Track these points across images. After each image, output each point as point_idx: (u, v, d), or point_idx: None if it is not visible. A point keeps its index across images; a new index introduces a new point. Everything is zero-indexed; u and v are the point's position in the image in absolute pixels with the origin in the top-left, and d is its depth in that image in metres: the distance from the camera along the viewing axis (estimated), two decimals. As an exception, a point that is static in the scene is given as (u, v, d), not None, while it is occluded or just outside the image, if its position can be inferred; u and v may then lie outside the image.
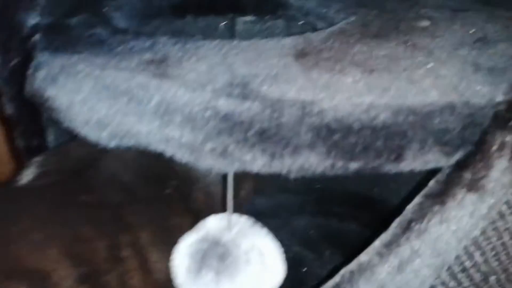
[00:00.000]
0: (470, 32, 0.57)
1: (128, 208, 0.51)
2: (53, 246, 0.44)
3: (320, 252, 0.83)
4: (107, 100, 0.41)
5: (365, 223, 0.81)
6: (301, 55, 0.49)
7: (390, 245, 0.42)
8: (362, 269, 0.42)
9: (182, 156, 0.40)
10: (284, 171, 0.40)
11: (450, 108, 0.40)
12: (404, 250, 0.42)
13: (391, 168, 0.40)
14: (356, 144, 0.39)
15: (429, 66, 0.47)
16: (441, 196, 0.41)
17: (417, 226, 0.41)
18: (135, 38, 0.52)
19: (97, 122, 0.41)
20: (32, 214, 0.47)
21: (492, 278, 0.50)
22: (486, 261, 0.47)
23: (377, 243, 0.42)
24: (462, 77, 0.45)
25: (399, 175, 0.43)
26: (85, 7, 0.62)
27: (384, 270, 0.42)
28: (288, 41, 0.53)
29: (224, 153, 0.39)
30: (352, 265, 0.43)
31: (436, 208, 0.41)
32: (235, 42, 0.52)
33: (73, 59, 0.45)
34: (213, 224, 0.48)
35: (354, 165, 0.40)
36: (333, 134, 0.38)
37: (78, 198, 0.51)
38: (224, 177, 0.46)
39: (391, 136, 0.39)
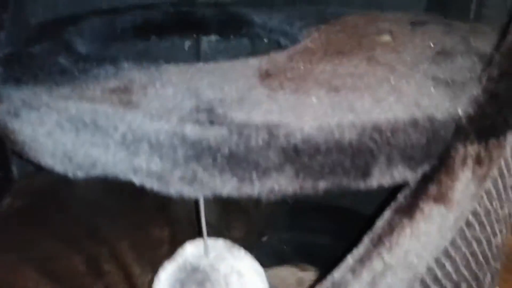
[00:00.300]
0: (430, 45, 0.59)
1: (103, 221, 0.51)
2: (30, 266, 0.44)
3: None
4: (72, 132, 0.41)
5: (338, 235, 0.82)
6: (266, 76, 0.50)
7: (362, 261, 0.42)
8: (336, 286, 0.43)
9: (151, 184, 0.40)
10: (254, 194, 0.40)
11: (414, 124, 0.41)
12: (377, 264, 0.42)
13: (359, 185, 0.41)
14: (324, 164, 0.39)
15: (392, 82, 0.48)
16: (409, 210, 0.42)
17: (387, 241, 0.42)
18: (99, 65, 0.52)
19: (63, 154, 0.41)
20: (3, 237, 0.47)
21: (464, 286, 0.51)
22: (457, 270, 0.49)
23: (350, 259, 0.43)
24: (423, 92, 0.46)
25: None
26: (47, 34, 0.62)
27: (358, 286, 0.42)
28: (253, 62, 0.54)
29: (193, 180, 0.39)
30: (326, 284, 0.43)
31: (405, 221, 0.42)
32: (199, 64, 0.53)
33: (35, 91, 0.45)
34: (190, 251, 0.48)
35: (323, 185, 0.40)
36: (301, 156, 0.39)
37: (51, 218, 0.51)
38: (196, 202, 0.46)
39: (358, 154, 0.40)
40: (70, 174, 0.41)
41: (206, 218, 0.58)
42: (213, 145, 0.38)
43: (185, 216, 0.57)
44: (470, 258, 0.50)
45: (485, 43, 0.56)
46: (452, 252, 0.47)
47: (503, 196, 0.50)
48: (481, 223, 0.48)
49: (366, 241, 0.43)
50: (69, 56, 0.54)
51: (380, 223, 0.42)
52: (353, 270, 0.43)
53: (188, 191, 0.40)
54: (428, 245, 0.43)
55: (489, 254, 0.53)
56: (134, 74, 0.49)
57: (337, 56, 0.56)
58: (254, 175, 0.39)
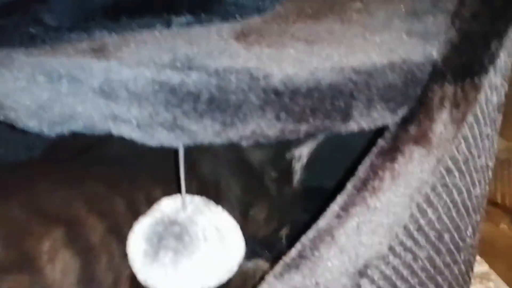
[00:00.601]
0: (401, 8, 0.60)
1: (141, 171, 0.57)
2: (79, 201, 0.49)
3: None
4: (47, 84, 0.40)
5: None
6: (241, 36, 0.50)
7: (346, 206, 0.42)
8: (322, 234, 0.43)
9: (130, 133, 0.39)
10: (236, 139, 0.40)
11: (390, 66, 0.42)
12: (361, 209, 0.42)
13: (340, 128, 0.41)
14: (305, 106, 0.40)
15: (366, 36, 0.49)
16: (390, 153, 0.42)
17: (370, 184, 0.42)
18: (70, 32, 0.51)
19: (39, 109, 0.40)
20: (53, 178, 0.52)
21: (447, 236, 0.52)
22: (439, 218, 0.49)
23: (334, 206, 0.43)
24: (397, 42, 0.47)
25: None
26: (15, 9, 0.60)
27: (343, 232, 0.42)
28: (226, 26, 0.54)
29: (173, 126, 0.38)
30: (312, 232, 0.43)
31: (387, 164, 0.42)
32: (173, 29, 0.52)
33: (7, 52, 0.44)
34: (167, 205, 0.47)
35: (304, 127, 0.40)
36: (281, 97, 0.39)
37: (92, 167, 0.57)
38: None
39: (338, 95, 0.40)
40: (46, 131, 0.40)
41: (227, 192, 0.62)
42: (193, 90, 0.38)
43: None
44: (451, 206, 0.50)
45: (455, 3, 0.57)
46: (434, 200, 0.48)
47: (480, 144, 0.51)
48: (460, 170, 0.49)
49: (349, 187, 0.43)
50: (39, 26, 0.53)
51: (363, 168, 0.43)
52: (338, 216, 0.43)
53: (169, 139, 0.39)
54: (410, 189, 0.43)
55: (469, 205, 0.53)
56: (107, 38, 0.48)
57: (311, 18, 0.56)
58: (235, 119, 0.39)
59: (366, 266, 0.45)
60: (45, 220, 0.46)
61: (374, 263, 0.45)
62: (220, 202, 0.50)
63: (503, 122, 0.56)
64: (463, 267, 0.57)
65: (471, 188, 0.52)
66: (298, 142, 0.69)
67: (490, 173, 0.56)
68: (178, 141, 0.39)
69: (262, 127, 0.39)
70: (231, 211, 0.49)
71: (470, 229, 0.55)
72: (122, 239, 0.47)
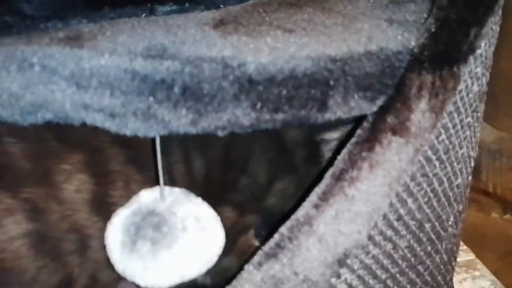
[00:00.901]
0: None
1: None
2: (104, 134, 0.47)
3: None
4: (17, 72, 0.39)
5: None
6: (219, 24, 0.49)
7: (325, 196, 0.42)
8: (300, 224, 0.43)
9: (103, 122, 0.39)
10: (211, 129, 0.39)
11: (367, 54, 0.41)
12: (339, 199, 0.42)
13: (317, 117, 0.41)
14: (280, 95, 0.39)
15: (346, 23, 0.48)
16: (368, 142, 0.42)
17: (348, 174, 0.42)
18: (46, 21, 0.51)
19: (10, 97, 0.39)
20: None
21: (428, 226, 0.52)
22: (419, 208, 0.49)
23: (312, 196, 0.42)
24: (377, 30, 0.47)
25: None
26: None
27: (322, 221, 0.42)
28: (206, 14, 0.53)
29: (147, 115, 0.38)
30: (291, 221, 0.43)
31: (365, 154, 0.42)
32: (152, 17, 0.52)
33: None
34: (146, 196, 0.46)
35: (280, 117, 0.40)
36: (256, 86, 0.39)
37: None
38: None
39: (314, 84, 0.40)
40: (19, 120, 0.40)
41: (252, 166, 0.61)
42: (166, 78, 0.38)
43: None
44: (432, 196, 0.50)
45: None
46: (414, 189, 0.48)
47: (461, 134, 0.51)
48: (440, 160, 0.49)
49: (327, 177, 0.43)
50: (16, 15, 0.53)
51: (341, 158, 0.42)
52: (316, 206, 0.43)
53: (143, 129, 0.39)
54: (388, 178, 0.43)
55: (451, 194, 0.53)
56: (83, 27, 0.48)
57: (292, 7, 0.55)
58: (210, 108, 0.38)
59: (345, 255, 0.44)
60: (69, 145, 0.49)
61: (353, 252, 0.45)
62: (246, 172, 0.51)
63: (494, 112, 0.56)
64: (445, 256, 0.57)
65: (452, 178, 0.51)
66: (329, 126, 0.68)
67: (472, 162, 0.56)
68: (152, 131, 0.39)
69: (238, 116, 0.39)
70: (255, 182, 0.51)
71: (452, 218, 0.55)
72: (141, 170, 0.51)
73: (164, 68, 0.37)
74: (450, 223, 0.55)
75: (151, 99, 0.38)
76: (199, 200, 0.46)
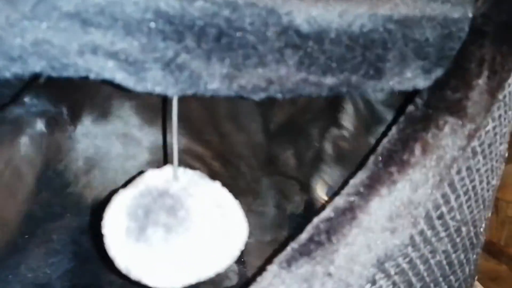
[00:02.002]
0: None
1: None
2: None
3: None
4: (5, 5, 0.31)
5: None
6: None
7: (371, 182, 0.36)
8: (339, 216, 0.36)
9: (114, 73, 0.31)
10: (247, 89, 0.32)
11: (427, 18, 0.36)
12: (387, 186, 0.36)
13: (369, 86, 0.34)
14: (332, 54, 0.33)
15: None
16: (422, 121, 0.36)
17: (398, 157, 0.36)
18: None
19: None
20: None
21: (464, 230, 0.46)
22: (460, 207, 0.43)
23: (356, 181, 0.36)
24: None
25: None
26: None
27: (366, 213, 0.35)
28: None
29: (171, 65, 0.31)
30: (328, 212, 0.36)
31: (418, 134, 0.36)
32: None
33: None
34: (154, 177, 0.38)
35: (328, 81, 0.33)
36: (305, 41, 0.32)
37: None
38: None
39: (370, 45, 0.34)
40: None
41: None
42: (198, 22, 0.30)
43: None
44: (472, 195, 0.45)
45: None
46: (458, 184, 0.42)
47: (503, 128, 0.46)
48: (484, 154, 0.44)
49: (373, 160, 0.36)
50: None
51: (390, 138, 0.36)
52: (360, 194, 0.36)
53: (165, 84, 0.31)
54: (441, 166, 0.37)
55: (486, 197, 0.48)
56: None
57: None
58: (249, 62, 0.31)
59: (386, 256, 0.38)
60: None
61: (394, 253, 0.38)
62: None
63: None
64: (472, 268, 0.51)
65: (490, 177, 0.46)
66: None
67: (503, 165, 0.51)
68: (174, 88, 0.31)
69: (281, 75, 0.32)
70: None
71: (483, 225, 0.49)
72: None
73: (196, 9, 0.30)
74: (482, 230, 0.50)
75: (177, 45, 0.30)
76: (217, 184, 0.38)
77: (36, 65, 0.31)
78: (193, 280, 0.36)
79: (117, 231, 0.35)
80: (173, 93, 0.32)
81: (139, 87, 0.31)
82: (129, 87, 0.31)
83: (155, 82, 0.31)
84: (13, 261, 0.66)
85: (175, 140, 0.34)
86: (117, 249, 0.35)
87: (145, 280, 0.35)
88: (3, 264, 0.66)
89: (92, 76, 0.32)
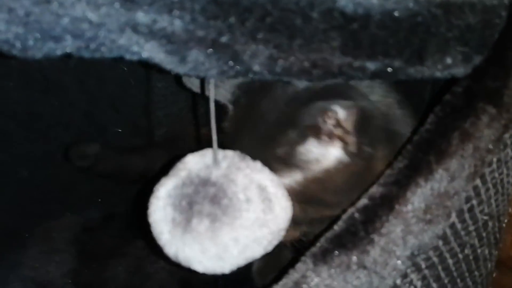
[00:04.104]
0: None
1: None
2: None
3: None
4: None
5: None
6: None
7: (409, 172, 0.35)
8: (376, 206, 0.35)
9: (156, 53, 0.30)
10: (291, 72, 0.31)
11: (468, 4, 0.35)
12: (425, 176, 0.35)
13: (411, 71, 0.34)
14: (376, 38, 0.32)
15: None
16: (461, 109, 0.36)
17: (437, 146, 0.35)
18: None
19: (25, 16, 0.29)
20: None
21: (490, 224, 0.46)
22: (489, 200, 0.43)
23: (394, 171, 0.35)
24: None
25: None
26: None
27: (404, 203, 0.35)
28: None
29: (214, 45, 0.30)
30: (363, 201, 0.35)
31: (457, 123, 0.36)
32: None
33: None
34: (193, 162, 0.37)
35: (372, 66, 0.33)
36: (349, 23, 0.32)
37: None
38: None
39: (414, 29, 0.33)
40: (31, 47, 0.30)
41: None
42: (243, 1, 0.29)
43: None
44: (500, 188, 0.44)
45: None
46: (488, 177, 0.42)
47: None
48: (512, 147, 0.43)
49: (410, 148, 0.36)
50: None
51: (428, 126, 0.35)
52: (398, 183, 0.35)
53: (207, 66, 0.30)
54: (477, 156, 0.37)
55: (510, 190, 0.48)
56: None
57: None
58: (294, 44, 0.30)
59: (419, 250, 0.37)
60: None
61: (426, 247, 0.38)
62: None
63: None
64: (493, 265, 0.51)
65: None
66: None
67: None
68: (216, 69, 0.30)
69: (325, 58, 0.31)
70: None
71: (506, 219, 0.49)
72: None
73: (240, -12, 0.29)
74: (504, 224, 0.49)
75: (222, 25, 0.29)
76: (258, 164, 0.37)
77: (70, 45, 0.30)
78: (240, 264, 0.35)
79: (164, 222, 0.35)
80: (214, 75, 0.31)
81: (179, 69, 0.30)
82: (168, 68, 0.30)
83: (197, 63, 0.30)
84: (13, 260, 0.65)
85: (213, 123, 0.33)
86: (166, 239, 0.35)
87: (194, 267, 0.36)
88: (2, 263, 0.65)
89: (127, 56, 0.31)
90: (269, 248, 0.37)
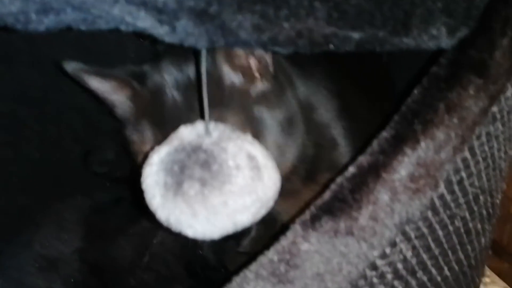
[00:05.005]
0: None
1: None
2: None
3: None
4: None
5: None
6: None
7: (395, 141, 0.36)
8: (364, 173, 0.36)
9: (146, 21, 0.31)
10: (277, 41, 0.32)
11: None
12: (411, 145, 0.36)
13: (395, 42, 0.35)
14: (361, 8, 0.33)
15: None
16: (447, 80, 0.37)
17: (422, 116, 0.36)
18: None
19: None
20: None
21: (482, 198, 0.46)
22: (479, 173, 0.44)
23: (380, 140, 0.36)
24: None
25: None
26: None
27: (391, 171, 0.36)
28: None
29: (203, 15, 0.31)
30: (352, 169, 0.36)
31: (442, 94, 0.36)
32: None
33: None
34: (186, 132, 0.38)
35: (356, 36, 0.34)
36: (334, -7, 0.32)
37: None
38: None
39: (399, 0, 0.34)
40: (33, 19, 0.31)
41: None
42: (230, -27, 0.31)
43: None
44: (490, 162, 0.45)
45: None
46: (478, 149, 0.43)
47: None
48: (503, 121, 0.45)
49: (397, 118, 0.37)
50: None
51: (414, 97, 0.36)
52: (384, 152, 0.36)
53: (196, 36, 0.32)
54: (464, 127, 0.38)
55: (502, 166, 0.48)
56: None
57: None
58: (280, 13, 0.32)
59: (407, 219, 0.38)
60: None
61: (415, 216, 0.38)
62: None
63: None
64: (488, 241, 0.51)
65: (507, 146, 0.47)
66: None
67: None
68: (204, 39, 0.31)
69: (311, 28, 0.32)
70: None
71: (499, 195, 0.49)
72: None
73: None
74: (498, 201, 0.50)
75: (210, -5, 0.30)
76: (249, 136, 0.39)
77: (69, 18, 0.32)
78: (229, 230, 0.36)
79: (156, 186, 0.36)
80: (203, 44, 0.32)
81: (170, 38, 0.32)
82: (160, 37, 0.32)
83: (187, 33, 0.31)
84: (25, 239, 0.67)
85: (205, 95, 0.34)
86: (158, 203, 0.37)
87: (185, 232, 0.37)
88: (15, 241, 0.67)
89: (123, 27, 0.32)
90: (258, 216, 0.38)
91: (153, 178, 0.37)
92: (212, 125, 0.38)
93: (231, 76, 0.47)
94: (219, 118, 0.42)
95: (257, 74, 0.48)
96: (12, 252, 0.66)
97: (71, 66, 0.49)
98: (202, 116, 0.40)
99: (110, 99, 0.52)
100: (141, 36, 0.33)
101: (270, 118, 0.47)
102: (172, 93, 0.48)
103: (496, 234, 0.98)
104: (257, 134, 0.46)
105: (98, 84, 0.50)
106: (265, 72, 0.48)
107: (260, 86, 0.49)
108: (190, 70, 0.48)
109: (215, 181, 0.36)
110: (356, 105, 0.58)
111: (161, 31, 0.32)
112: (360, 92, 0.59)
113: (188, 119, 0.41)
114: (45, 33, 0.33)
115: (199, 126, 0.38)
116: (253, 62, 0.47)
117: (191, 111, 0.46)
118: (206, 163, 0.36)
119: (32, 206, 0.72)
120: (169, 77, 0.49)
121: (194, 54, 0.46)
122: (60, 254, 0.65)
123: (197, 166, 0.36)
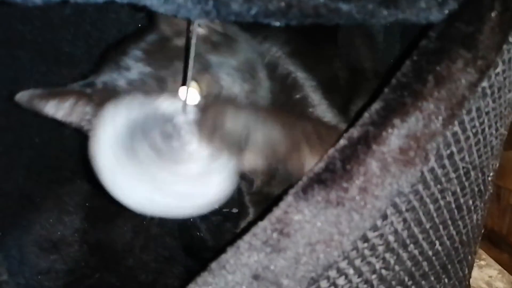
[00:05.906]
0: None
1: None
2: None
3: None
4: None
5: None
6: None
7: (385, 113, 0.37)
8: (354, 145, 0.37)
9: None
10: (268, 13, 0.33)
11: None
12: (400, 116, 0.37)
13: (384, 15, 0.35)
14: (349, -19, 0.34)
15: None
16: (436, 53, 0.37)
17: (412, 87, 0.37)
18: None
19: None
20: None
21: (473, 174, 0.47)
22: (470, 148, 0.44)
23: (371, 112, 0.37)
24: None
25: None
26: None
27: (382, 142, 0.36)
28: None
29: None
30: (343, 141, 0.37)
31: (431, 66, 0.37)
32: None
33: None
34: (166, 103, 0.39)
35: (346, 8, 0.35)
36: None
37: None
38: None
39: (386, -27, 0.34)
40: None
41: None
42: None
43: None
44: (481, 138, 0.46)
45: None
46: (468, 125, 0.43)
47: (512, 73, 0.46)
48: (493, 98, 0.45)
49: (387, 90, 0.37)
50: None
51: (404, 69, 0.37)
52: (375, 123, 0.37)
53: (188, 7, 0.32)
54: (453, 100, 0.38)
55: (494, 144, 0.49)
56: None
57: None
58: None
59: (398, 191, 0.39)
60: None
61: (406, 189, 0.39)
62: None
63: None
64: (480, 219, 0.52)
65: (499, 124, 0.47)
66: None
67: (511, 116, 0.52)
68: (196, 10, 0.32)
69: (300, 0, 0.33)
70: None
71: (491, 173, 0.50)
72: None
73: None
74: (490, 178, 0.51)
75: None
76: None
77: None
78: (168, 213, 0.37)
79: (112, 144, 0.36)
80: (197, 16, 0.33)
81: (164, 9, 0.32)
82: (154, 9, 0.32)
83: (179, 4, 0.32)
84: (27, 221, 0.68)
85: (191, 65, 0.35)
86: (107, 162, 0.36)
87: (124, 201, 0.37)
88: (17, 224, 0.68)
89: (118, -1, 0.33)
90: (198, 210, 0.38)
91: (113, 133, 0.37)
92: (191, 108, 0.38)
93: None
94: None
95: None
96: (14, 234, 0.67)
97: (24, 97, 0.48)
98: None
99: (70, 120, 0.52)
100: (136, 8, 0.34)
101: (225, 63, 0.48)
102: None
103: (496, 225, 0.99)
104: (215, 77, 0.47)
105: (55, 109, 0.50)
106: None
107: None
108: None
109: (171, 158, 0.36)
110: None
111: (155, 2, 0.32)
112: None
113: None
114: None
115: (179, 103, 0.39)
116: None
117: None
118: (170, 137, 0.36)
119: (33, 190, 0.73)
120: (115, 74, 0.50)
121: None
122: (61, 235, 0.66)
123: (160, 137, 0.36)
